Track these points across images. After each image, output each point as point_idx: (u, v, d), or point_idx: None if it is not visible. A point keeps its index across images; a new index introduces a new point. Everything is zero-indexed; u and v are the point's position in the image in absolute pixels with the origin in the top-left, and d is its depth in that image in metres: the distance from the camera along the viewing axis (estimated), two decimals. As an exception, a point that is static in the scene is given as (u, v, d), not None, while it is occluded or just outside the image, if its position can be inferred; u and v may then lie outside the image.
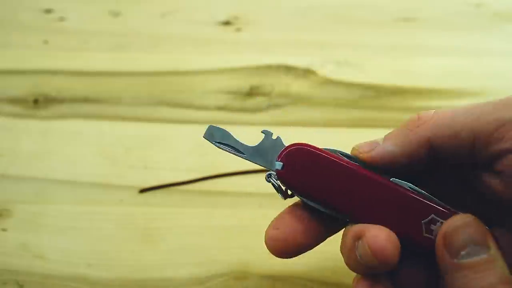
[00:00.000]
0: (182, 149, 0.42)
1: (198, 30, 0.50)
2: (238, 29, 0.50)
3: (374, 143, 0.24)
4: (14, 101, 0.45)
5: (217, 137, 0.26)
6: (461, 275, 0.20)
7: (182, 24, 0.51)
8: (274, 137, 0.26)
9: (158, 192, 0.40)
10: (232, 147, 0.26)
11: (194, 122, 0.44)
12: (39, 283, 0.36)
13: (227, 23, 0.50)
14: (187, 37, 0.49)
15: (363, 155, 0.24)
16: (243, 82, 0.46)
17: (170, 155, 0.42)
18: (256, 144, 0.26)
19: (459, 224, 0.21)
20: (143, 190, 0.39)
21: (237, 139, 0.26)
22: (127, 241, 0.37)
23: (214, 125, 0.26)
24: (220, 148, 0.26)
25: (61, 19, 0.51)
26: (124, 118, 0.44)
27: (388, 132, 0.25)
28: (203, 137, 0.26)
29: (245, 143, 0.26)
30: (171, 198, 0.39)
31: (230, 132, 0.26)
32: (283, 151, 0.25)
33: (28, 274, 0.36)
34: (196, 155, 0.42)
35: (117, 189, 0.40)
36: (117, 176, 0.41)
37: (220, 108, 0.44)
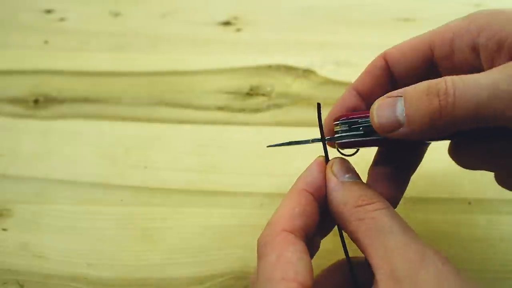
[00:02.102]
0: (182, 149, 0.42)
1: (198, 30, 0.50)
2: (238, 29, 0.50)
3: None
4: (14, 101, 0.45)
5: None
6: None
7: (182, 24, 0.51)
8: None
9: (158, 192, 0.40)
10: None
11: (194, 122, 0.44)
12: (39, 283, 0.36)
13: (227, 23, 0.50)
14: (186, 37, 0.49)
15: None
16: (243, 82, 0.46)
17: (170, 155, 0.42)
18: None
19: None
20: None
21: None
22: (127, 241, 0.37)
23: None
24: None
25: (61, 19, 0.51)
26: (124, 118, 0.44)
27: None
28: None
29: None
30: (171, 198, 0.39)
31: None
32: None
33: (28, 274, 0.36)
34: (196, 155, 0.42)
35: (117, 189, 0.40)
36: (117, 176, 0.41)
37: (220, 108, 0.44)
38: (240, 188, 0.40)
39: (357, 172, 0.29)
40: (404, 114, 0.24)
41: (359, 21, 0.51)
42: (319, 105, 0.29)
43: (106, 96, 0.45)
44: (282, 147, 0.31)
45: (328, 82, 0.46)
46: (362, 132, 0.27)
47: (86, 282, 0.36)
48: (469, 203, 0.38)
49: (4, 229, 0.38)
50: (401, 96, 0.24)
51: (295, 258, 0.23)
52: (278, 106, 0.44)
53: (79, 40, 0.49)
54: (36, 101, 0.45)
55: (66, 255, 0.37)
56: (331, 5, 0.52)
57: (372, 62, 0.30)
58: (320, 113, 0.29)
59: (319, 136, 0.29)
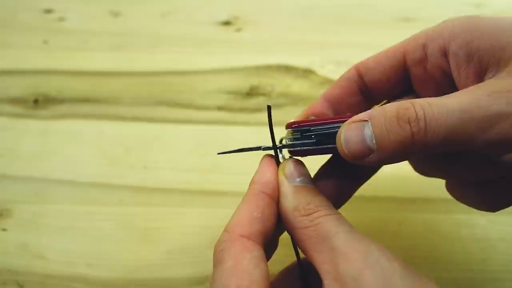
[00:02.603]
0: (182, 149, 0.42)
1: (198, 30, 0.50)
2: (238, 29, 0.50)
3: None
4: (14, 101, 0.45)
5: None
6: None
7: (182, 24, 0.51)
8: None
9: (158, 192, 0.40)
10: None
11: (194, 122, 0.44)
12: (39, 283, 0.36)
13: (227, 23, 0.50)
14: (187, 37, 0.49)
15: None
16: (243, 82, 0.46)
17: (170, 155, 0.42)
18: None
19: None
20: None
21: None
22: (127, 241, 0.37)
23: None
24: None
25: (61, 19, 0.51)
26: (124, 118, 0.44)
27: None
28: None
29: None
30: (171, 198, 0.39)
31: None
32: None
33: (28, 274, 0.36)
34: (196, 155, 0.42)
35: (117, 189, 0.40)
36: (117, 176, 0.41)
37: (220, 108, 0.44)
38: (240, 188, 0.39)
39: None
40: (374, 141, 0.23)
41: (359, 21, 0.51)
42: (269, 108, 0.27)
43: (106, 96, 0.45)
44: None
45: (328, 82, 0.46)
46: (314, 141, 0.27)
47: (86, 282, 0.36)
48: (469, 203, 0.38)
49: (4, 229, 0.38)
50: (367, 121, 0.24)
51: (251, 266, 0.23)
52: (278, 106, 0.44)
53: (79, 40, 0.49)
54: (36, 101, 0.45)
55: (66, 255, 0.37)
56: (331, 5, 0.52)
57: (345, 72, 0.30)
58: (271, 116, 0.27)
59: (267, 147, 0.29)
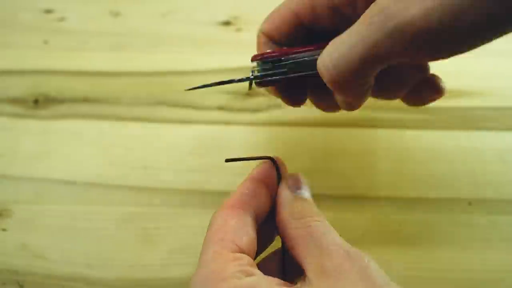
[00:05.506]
0: (182, 149, 0.42)
1: (198, 30, 0.50)
2: (238, 29, 0.50)
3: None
4: (14, 101, 0.45)
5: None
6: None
7: (182, 24, 0.51)
8: None
9: (158, 192, 0.40)
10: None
11: (194, 122, 0.44)
12: (39, 283, 0.36)
13: (227, 23, 0.50)
14: (187, 37, 0.49)
15: None
16: (243, 82, 0.46)
17: (170, 155, 0.42)
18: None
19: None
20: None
21: None
22: (127, 241, 0.37)
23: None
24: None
25: (61, 19, 0.51)
26: (124, 118, 0.44)
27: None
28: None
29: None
30: (171, 198, 0.39)
31: None
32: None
33: (28, 274, 0.36)
34: (196, 155, 0.42)
35: (117, 189, 0.40)
36: (117, 176, 0.41)
37: (220, 108, 0.44)
38: (240, 188, 0.40)
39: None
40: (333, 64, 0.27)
41: (359, 21, 0.51)
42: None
43: (106, 96, 0.45)
44: None
45: (328, 82, 0.46)
46: (285, 70, 0.29)
47: (86, 282, 0.36)
48: (469, 203, 0.38)
49: (3, 229, 0.38)
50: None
51: (238, 225, 0.26)
52: (278, 106, 0.44)
53: (79, 40, 0.49)
54: (35, 101, 0.45)
55: (66, 255, 0.37)
56: (331, 5, 0.52)
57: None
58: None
59: (243, 76, 0.31)
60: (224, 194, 0.39)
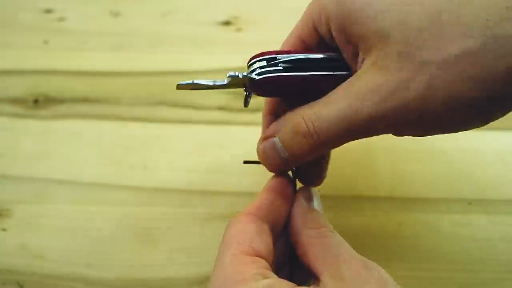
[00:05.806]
0: (182, 149, 0.42)
1: (198, 30, 0.50)
2: (238, 29, 0.50)
3: None
4: (14, 101, 0.45)
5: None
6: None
7: (182, 24, 0.51)
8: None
9: (158, 192, 0.40)
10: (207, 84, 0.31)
11: (194, 122, 0.44)
12: (39, 283, 0.36)
13: (227, 23, 0.50)
14: (187, 37, 0.49)
15: None
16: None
17: (170, 155, 0.42)
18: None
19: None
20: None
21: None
22: (127, 241, 0.37)
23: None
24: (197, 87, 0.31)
25: (61, 19, 0.51)
26: (124, 118, 0.44)
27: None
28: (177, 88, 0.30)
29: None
30: (171, 198, 0.39)
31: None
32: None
33: (28, 274, 0.36)
34: (196, 155, 0.42)
35: (117, 189, 0.40)
36: (117, 176, 0.41)
37: (220, 108, 0.44)
38: (240, 188, 0.40)
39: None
40: (287, 153, 0.28)
41: (359, 21, 0.51)
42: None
43: (106, 96, 0.45)
44: None
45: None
46: (281, 68, 0.29)
47: (86, 282, 0.36)
48: (469, 203, 0.38)
49: (3, 229, 0.38)
50: (275, 137, 0.28)
51: (256, 231, 0.26)
52: (278, 106, 0.44)
53: (78, 40, 0.49)
54: (35, 101, 0.45)
55: (66, 255, 0.37)
56: (331, 5, 0.52)
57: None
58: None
59: (233, 74, 0.31)
60: (224, 194, 0.39)
